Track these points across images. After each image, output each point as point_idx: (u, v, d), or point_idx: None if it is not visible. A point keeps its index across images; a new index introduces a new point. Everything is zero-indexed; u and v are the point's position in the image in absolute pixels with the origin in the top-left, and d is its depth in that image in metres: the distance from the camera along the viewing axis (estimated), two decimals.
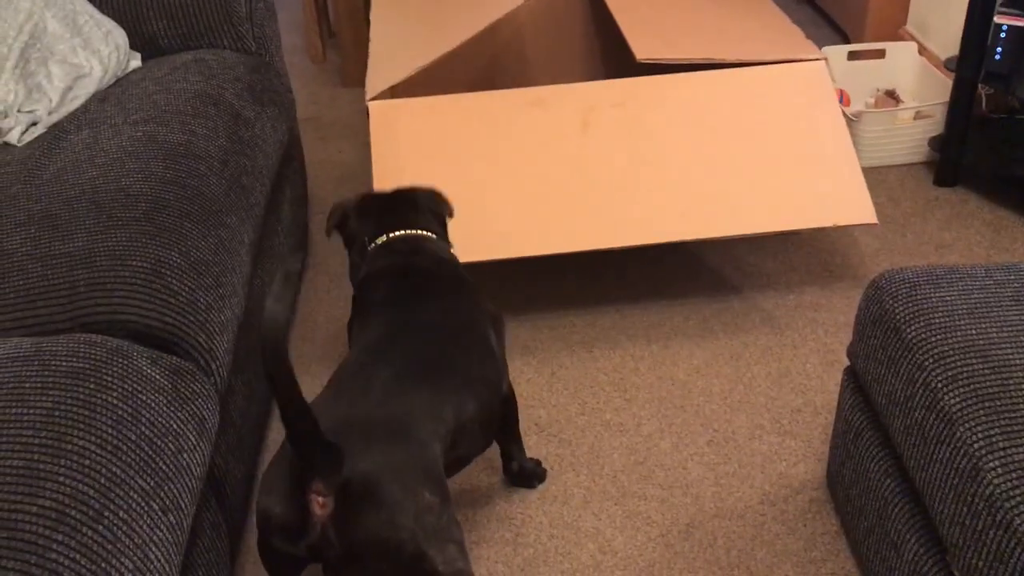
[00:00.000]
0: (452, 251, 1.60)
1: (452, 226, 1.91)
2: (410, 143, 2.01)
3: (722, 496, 1.63)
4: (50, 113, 1.73)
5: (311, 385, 1.83)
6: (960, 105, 2.36)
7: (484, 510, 1.62)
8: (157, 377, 1.16)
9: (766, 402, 1.84)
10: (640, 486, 1.65)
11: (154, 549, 1.00)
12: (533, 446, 1.75)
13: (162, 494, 1.06)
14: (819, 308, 2.07)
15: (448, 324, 1.37)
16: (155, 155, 1.55)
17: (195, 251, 1.40)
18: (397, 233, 1.53)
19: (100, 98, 1.79)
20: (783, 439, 1.74)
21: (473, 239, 1.90)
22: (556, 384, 1.90)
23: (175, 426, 1.14)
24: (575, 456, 1.72)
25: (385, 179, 1.95)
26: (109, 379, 1.10)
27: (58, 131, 1.68)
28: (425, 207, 1.61)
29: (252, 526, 1.61)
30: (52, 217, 1.40)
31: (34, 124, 1.70)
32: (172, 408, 1.15)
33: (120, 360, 1.14)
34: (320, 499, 1.08)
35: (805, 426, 1.77)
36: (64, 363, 1.10)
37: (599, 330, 2.04)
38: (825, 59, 2.12)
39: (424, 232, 1.56)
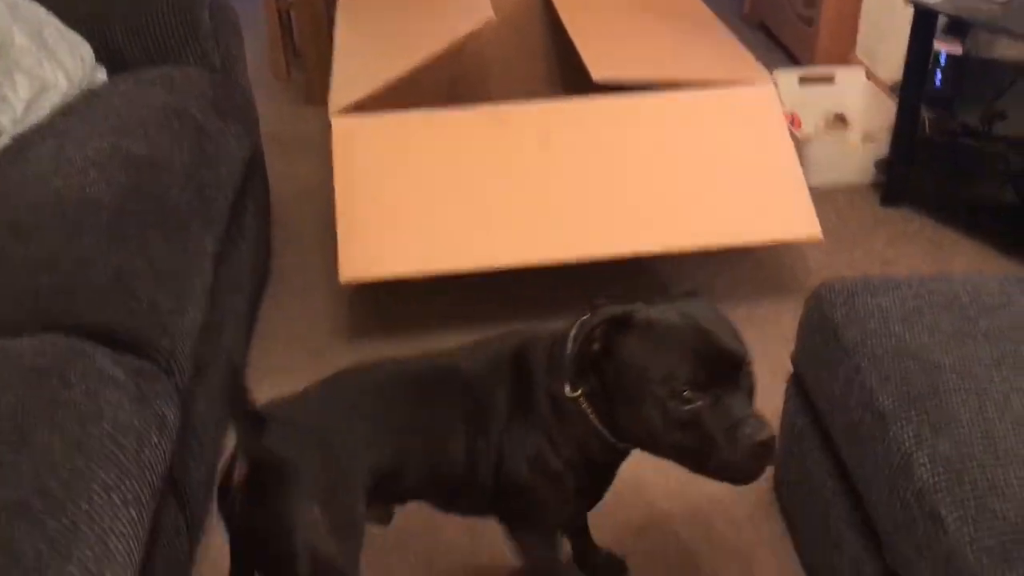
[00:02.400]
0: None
1: (418, 237, 1.96)
2: (372, 158, 2.05)
3: (672, 499, 1.67)
4: (14, 123, 1.75)
5: (275, 396, 1.86)
6: (904, 128, 2.45)
7: None
8: (119, 376, 1.19)
9: None
10: None
11: (115, 540, 1.02)
12: None
13: (123, 488, 1.08)
14: (768, 322, 2.13)
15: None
16: (119, 166, 1.58)
17: (158, 258, 1.43)
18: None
19: (65, 111, 1.82)
20: None
21: (434, 252, 1.95)
22: None
23: (137, 424, 1.17)
24: None
25: (347, 194, 2.00)
26: (72, 377, 1.13)
27: (23, 142, 1.70)
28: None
29: (211, 531, 1.63)
30: (16, 224, 1.42)
31: None
32: (134, 406, 1.18)
33: (83, 359, 1.17)
34: (240, 465, 1.11)
35: None
36: (28, 360, 1.13)
37: None
38: (775, 83, 2.21)
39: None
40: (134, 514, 1.09)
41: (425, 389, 1.27)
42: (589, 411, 1.21)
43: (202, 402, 1.57)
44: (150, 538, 1.22)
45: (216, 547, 1.60)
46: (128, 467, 1.11)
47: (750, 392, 1.15)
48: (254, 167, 2.22)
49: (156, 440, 1.20)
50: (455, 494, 1.30)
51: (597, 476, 1.32)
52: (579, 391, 1.20)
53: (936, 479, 1.10)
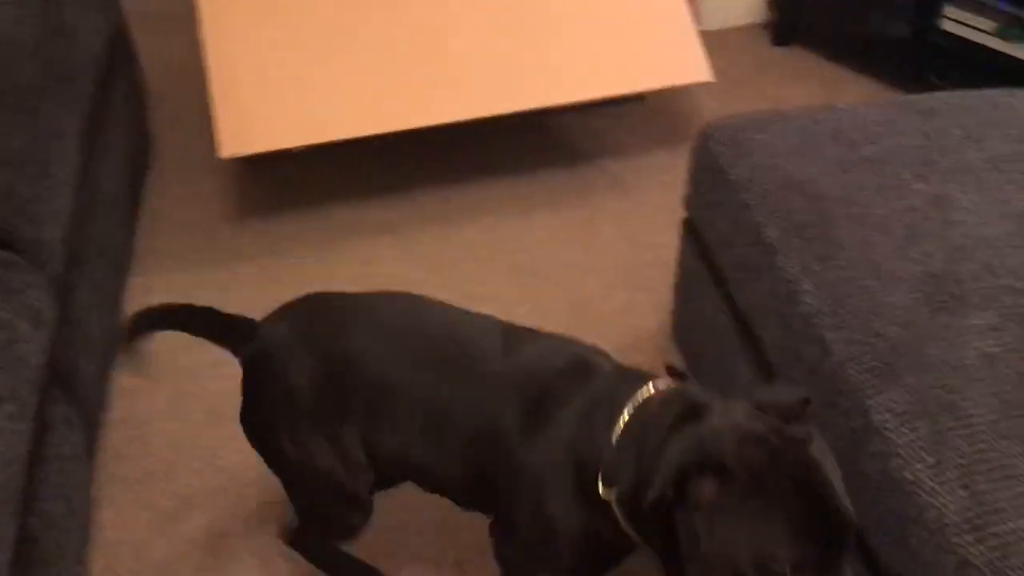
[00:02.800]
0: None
1: (299, 106, 1.87)
2: (245, 22, 1.93)
3: None
4: None
5: (167, 281, 1.80)
6: None
7: None
8: None
9: (617, 263, 1.90)
10: None
11: None
12: None
13: None
14: (665, 170, 2.13)
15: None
16: None
17: (11, 140, 1.33)
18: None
19: None
20: (634, 294, 1.81)
21: (319, 120, 1.87)
22: (414, 260, 1.91)
23: (5, 317, 1.10)
24: None
25: (220, 62, 1.88)
26: None
27: None
28: None
29: (108, 423, 1.59)
30: None
31: None
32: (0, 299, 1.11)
33: None
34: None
35: (655, 281, 1.83)
36: None
37: (453, 205, 2.06)
38: None
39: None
40: (12, 410, 1.05)
41: (428, 357, 1.12)
42: (622, 517, 0.97)
43: (84, 293, 1.50)
44: (38, 434, 1.18)
45: (116, 441, 1.57)
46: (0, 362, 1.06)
47: (852, 561, 0.88)
48: (119, 43, 2.08)
49: (29, 333, 1.14)
50: (432, 475, 1.15)
51: (606, 556, 1.08)
52: (613, 493, 0.96)
53: (820, 305, 1.12)
